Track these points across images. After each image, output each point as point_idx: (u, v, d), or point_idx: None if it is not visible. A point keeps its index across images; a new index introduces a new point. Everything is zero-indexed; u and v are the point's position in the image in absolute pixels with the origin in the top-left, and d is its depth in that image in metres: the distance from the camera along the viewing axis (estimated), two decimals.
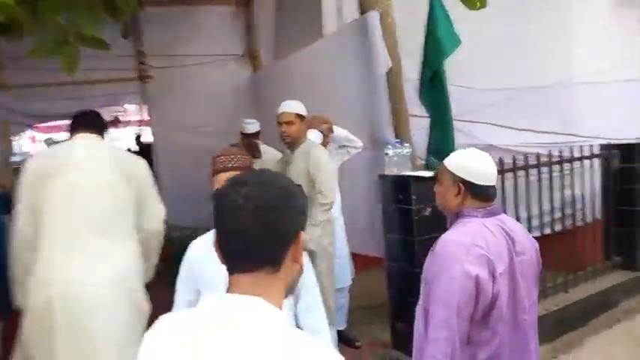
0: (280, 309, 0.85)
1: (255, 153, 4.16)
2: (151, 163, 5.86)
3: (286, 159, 3.23)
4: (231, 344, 0.76)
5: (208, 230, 1.59)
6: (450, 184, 1.63)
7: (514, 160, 3.55)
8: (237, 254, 0.85)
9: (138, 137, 8.58)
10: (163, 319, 0.88)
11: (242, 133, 4.36)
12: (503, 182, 3.43)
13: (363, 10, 3.60)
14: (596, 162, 4.29)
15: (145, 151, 7.96)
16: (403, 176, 2.96)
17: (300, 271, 0.92)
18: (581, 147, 4.10)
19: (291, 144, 3.14)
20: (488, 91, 4.71)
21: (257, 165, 4.24)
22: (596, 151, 4.25)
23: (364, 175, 3.60)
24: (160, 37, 5.43)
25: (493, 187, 1.63)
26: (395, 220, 3.03)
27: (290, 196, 0.88)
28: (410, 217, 2.88)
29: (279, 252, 0.86)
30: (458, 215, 1.62)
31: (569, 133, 4.88)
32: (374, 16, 3.45)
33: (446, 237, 1.57)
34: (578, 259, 4.06)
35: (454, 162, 1.64)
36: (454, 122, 4.40)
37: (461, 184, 1.60)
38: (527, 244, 1.61)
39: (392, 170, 3.04)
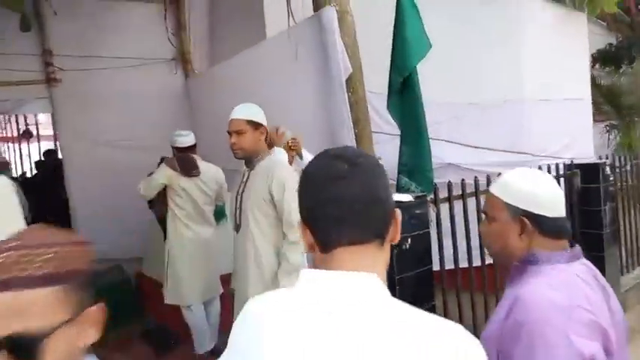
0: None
1: (192, 170, 3.49)
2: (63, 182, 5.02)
3: (242, 178, 2.55)
4: (358, 333, 0.68)
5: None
6: (508, 220, 1.16)
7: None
8: (344, 223, 0.76)
9: (48, 152, 7.47)
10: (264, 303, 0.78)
11: (174, 148, 3.67)
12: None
13: (317, 6, 3.09)
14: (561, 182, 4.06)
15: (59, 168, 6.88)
16: None
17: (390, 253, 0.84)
18: (548, 166, 3.84)
19: (245, 159, 2.51)
20: (441, 105, 4.40)
21: (196, 185, 3.57)
22: (560, 170, 4.02)
23: None
24: (70, 33, 4.59)
25: (565, 218, 1.17)
26: None
27: (382, 167, 0.83)
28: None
29: (385, 224, 0.79)
30: (528, 262, 1.14)
31: (523, 152, 4.72)
32: (331, 14, 2.96)
33: (529, 295, 1.05)
34: None
35: (511, 189, 1.17)
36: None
37: (525, 219, 1.14)
38: (614, 296, 1.16)
39: None
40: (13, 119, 11.18)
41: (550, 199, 1.14)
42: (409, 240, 2.38)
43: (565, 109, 5.14)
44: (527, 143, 4.78)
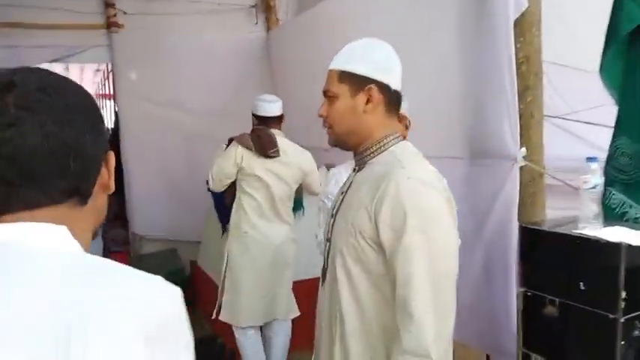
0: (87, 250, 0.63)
1: (269, 149, 2.53)
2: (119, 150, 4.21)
3: (344, 186, 1.34)
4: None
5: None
6: None
7: None
8: (14, 186, 0.57)
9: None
10: None
11: (256, 117, 2.69)
12: None
13: None
14: None
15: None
16: (594, 240, 1.30)
17: (108, 196, 0.69)
18: None
19: (349, 149, 1.30)
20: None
21: (273, 172, 2.55)
22: None
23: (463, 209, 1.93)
24: None
25: None
26: (566, 335, 1.38)
27: (89, 98, 0.65)
28: (610, 336, 1.24)
29: (86, 177, 0.62)
30: None
31: None
32: None
33: None
34: None
35: None
36: (561, 122, 2.86)
37: None
38: None
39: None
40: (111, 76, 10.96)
41: None
42: None
43: None
44: None
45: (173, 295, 0.57)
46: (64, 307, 0.51)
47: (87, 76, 14.26)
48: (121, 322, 0.51)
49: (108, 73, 12.50)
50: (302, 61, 3.55)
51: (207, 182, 2.67)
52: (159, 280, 0.58)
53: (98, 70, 13.36)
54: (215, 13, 4.01)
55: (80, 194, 0.62)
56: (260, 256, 2.58)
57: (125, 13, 3.83)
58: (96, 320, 0.51)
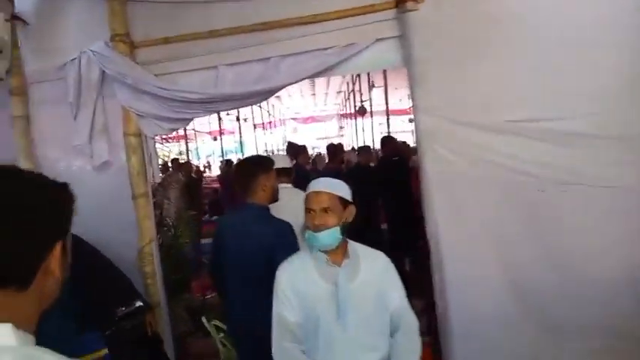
0: (33, 331, 0.71)
1: None
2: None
3: None
4: None
5: None
6: None
7: None
8: None
9: (387, 139, 5.50)
10: None
11: None
12: None
13: None
14: None
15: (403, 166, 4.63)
16: None
17: (58, 281, 0.74)
18: None
19: None
20: None
21: None
22: None
23: None
24: None
25: None
26: None
27: (41, 191, 0.71)
28: None
29: (25, 268, 0.69)
30: None
31: None
32: None
33: None
34: None
35: None
36: None
37: None
38: None
39: None
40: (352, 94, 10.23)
41: None
42: None
43: None
44: None
45: None
46: None
47: (330, 99, 13.91)
48: None
49: (349, 93, 11.58)
50: None
51: None
52: None
53: (339, 92, 12.87)
54: None
55: (19, 282, 0.68)
56: None
57: None
58: None
